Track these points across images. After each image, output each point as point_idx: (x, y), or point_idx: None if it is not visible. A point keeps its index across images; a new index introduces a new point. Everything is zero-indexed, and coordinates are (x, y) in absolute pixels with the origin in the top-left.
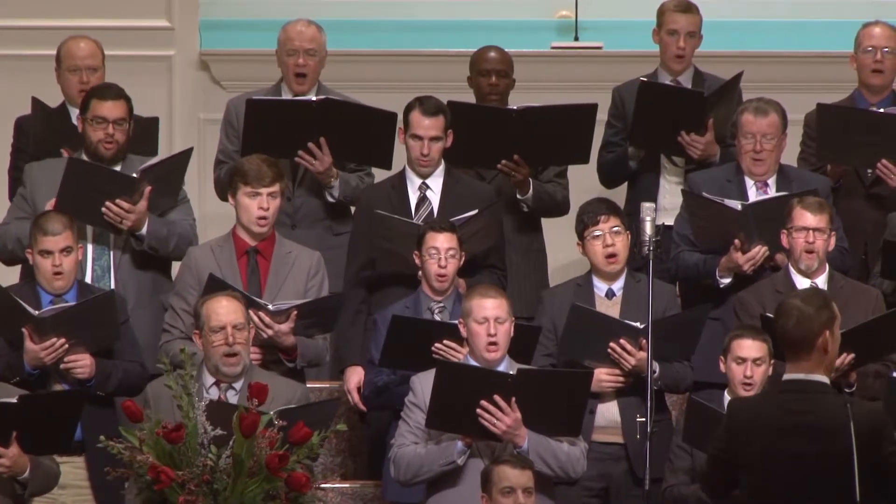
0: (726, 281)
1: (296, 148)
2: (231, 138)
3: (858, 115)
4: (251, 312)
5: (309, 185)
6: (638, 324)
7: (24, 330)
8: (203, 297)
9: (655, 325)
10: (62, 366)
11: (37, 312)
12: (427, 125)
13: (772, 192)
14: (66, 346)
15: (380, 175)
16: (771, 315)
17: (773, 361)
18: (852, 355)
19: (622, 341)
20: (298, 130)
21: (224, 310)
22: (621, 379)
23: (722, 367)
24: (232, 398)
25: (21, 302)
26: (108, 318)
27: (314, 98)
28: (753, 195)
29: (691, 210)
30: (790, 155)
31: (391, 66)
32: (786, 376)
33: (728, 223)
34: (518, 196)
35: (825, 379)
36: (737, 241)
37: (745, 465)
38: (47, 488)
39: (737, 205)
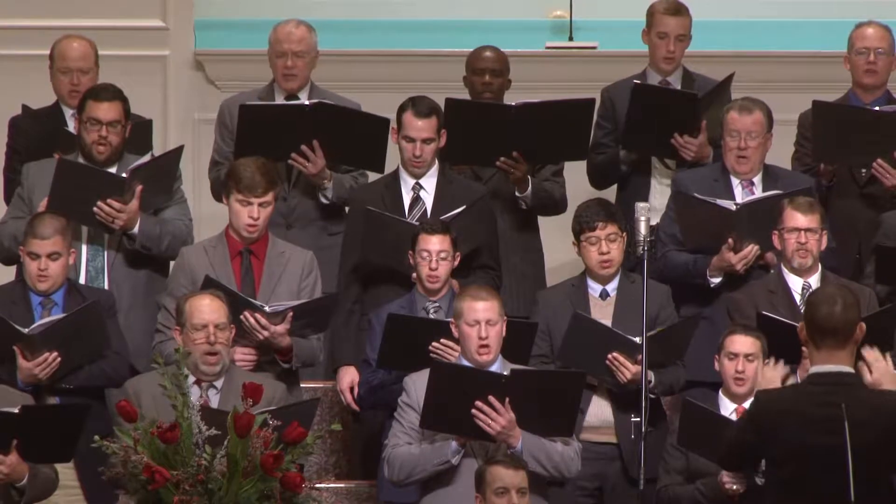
0: (717, 280)
1: (289, 150)
2: (226, 139)
3: (855, 113)
4: (247, 314)
5: (303, 185)
6: (637, 339)
7: (14, 348)
8: (186, 294)
9: (649, 340)
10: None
11: (26, 330)
12: (420, 126)
13: (758, 192)
14: (59, 359)
15: (373, 176)
16: (768, 314)
17: (766, 361)
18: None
19: (615, 354)
20: (292, 134)
21: (207, 308)
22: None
23: (716, 365)
24: (213, 397)
25: (10, 322)
26: (96, 328)
27: (307, 102)
28: (739, 194)
29: (680, 210)
30: (784, 156)
31: (386, 65)
32: (815, 369)
33: (719, 223)
34: (517, 194)
35: (853, 370)
36: (729, 241)
37: (775, 459)
38: (45, 495)
39: (731, 205)
